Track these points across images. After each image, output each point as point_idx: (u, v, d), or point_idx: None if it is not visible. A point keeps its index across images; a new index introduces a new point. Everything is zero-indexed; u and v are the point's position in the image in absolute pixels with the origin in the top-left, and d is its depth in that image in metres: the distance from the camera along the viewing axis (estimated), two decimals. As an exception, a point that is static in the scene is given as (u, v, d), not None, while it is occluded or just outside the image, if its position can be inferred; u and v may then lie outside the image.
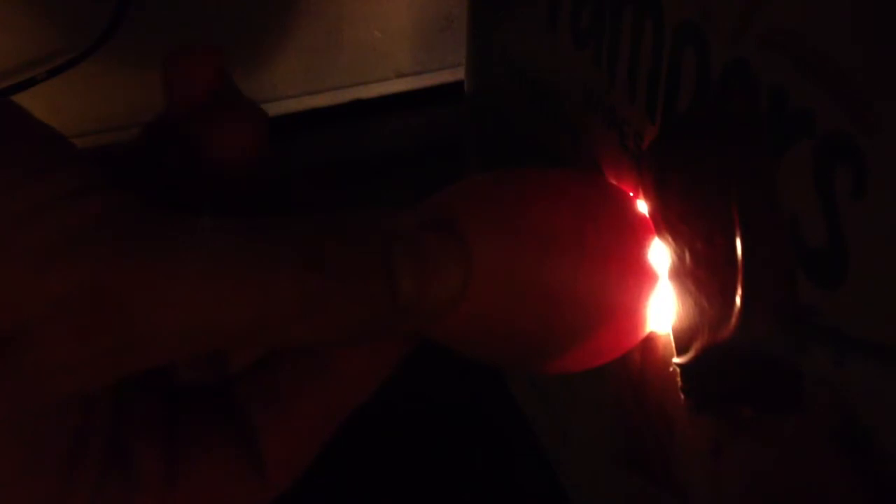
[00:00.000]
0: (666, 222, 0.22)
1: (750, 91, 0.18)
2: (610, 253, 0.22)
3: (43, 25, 0.47)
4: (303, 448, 0.20)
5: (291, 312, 0.16)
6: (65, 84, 0.47)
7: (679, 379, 0.23)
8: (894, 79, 0.15)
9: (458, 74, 0.45)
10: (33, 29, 0.47)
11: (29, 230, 0.15)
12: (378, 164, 0.52)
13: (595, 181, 0.25)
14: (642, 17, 0.22)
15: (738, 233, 0.20)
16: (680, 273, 0.22)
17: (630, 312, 0.22)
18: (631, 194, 0.24)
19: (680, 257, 0.22)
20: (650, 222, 0.23)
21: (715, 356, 0.21)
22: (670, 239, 0.22)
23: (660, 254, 0.23)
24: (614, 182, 0.25)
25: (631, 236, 0.22)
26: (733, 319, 0.20)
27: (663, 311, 0.23)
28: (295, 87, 0.54)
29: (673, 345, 0.23)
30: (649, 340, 0.24)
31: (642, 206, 0.23)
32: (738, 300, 0.20)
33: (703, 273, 0.21)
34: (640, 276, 0.22)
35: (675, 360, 0.23)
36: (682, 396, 0.23)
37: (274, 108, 0.53)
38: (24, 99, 0.27)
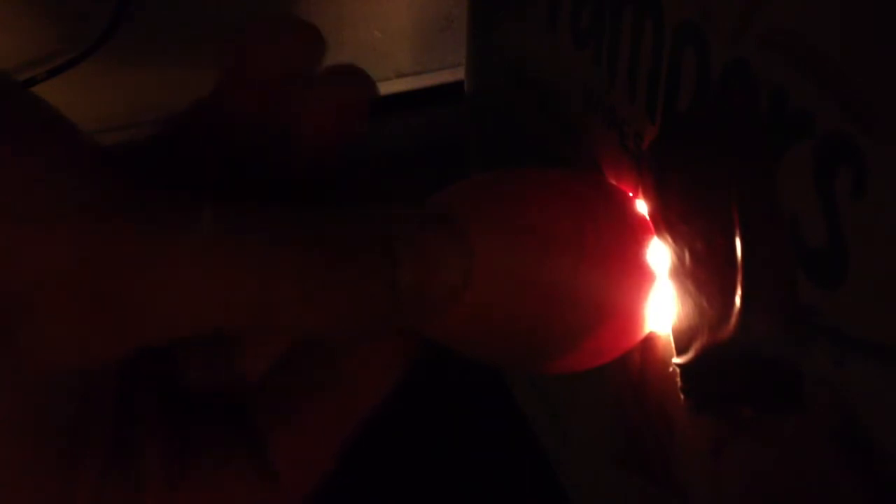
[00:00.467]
0: (666, 222, 0.22)
1: (750, 91, 0.18)
2: (609, 253, 0.22)
3: (43, 25, 0.47)
4: (315, 456, 0.20)
5: (290, 294, 0.16)
6: (65, 84, 0.47)
7: (679, 379, 0.23)
8: (894, 79, 0.15)
9: (458, 74, 0.45)
10: (33, 29, 0.47)
11: (32, 198, 0.15)
12: (378, 164, 0.52)
13: (595, 181, 0.25)
14: (642, 17, 0.22)
15: (738, 233, 0.20)
16: (680, 273, 0.22)
17: (629, 312, 0.22)
18: (631, 194, 0.24)
19: (680, 257, 0.22)
20: (650, 222, 0.23)
21: (715, 356, 0.21)
22: (670, 239, 0.22)
23: (660, 254, 0.23)
24: (614, 182, 0.25)
25: (630, 236, 0.22)
26: (733, 319, 0.20)
27: (663, 311, 0.23)
28: (295, 87, 0.54)
29: (673, 345, 0.23)
30: (649, 340, 0.24)
31: (642, 206, 0.23)
32: (738, 300, 0.20)
33: (703, 273, 0.21)
34: (640, 276, 0.22)
35: (675, 360, 0.23)
36: (682, 396, 0.23)
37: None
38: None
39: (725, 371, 0.21)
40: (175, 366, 0.20)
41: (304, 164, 0.20)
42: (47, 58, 0.47)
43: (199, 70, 0.56)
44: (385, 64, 0.55)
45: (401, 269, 0.17)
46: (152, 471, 0.18)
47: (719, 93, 0.20)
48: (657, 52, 0.22)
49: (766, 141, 0.18)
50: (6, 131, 0.15)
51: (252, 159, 0.20)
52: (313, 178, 0.20)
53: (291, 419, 0.20)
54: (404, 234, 0.18)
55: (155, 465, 0.18)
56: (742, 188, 0.19)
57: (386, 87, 0.55)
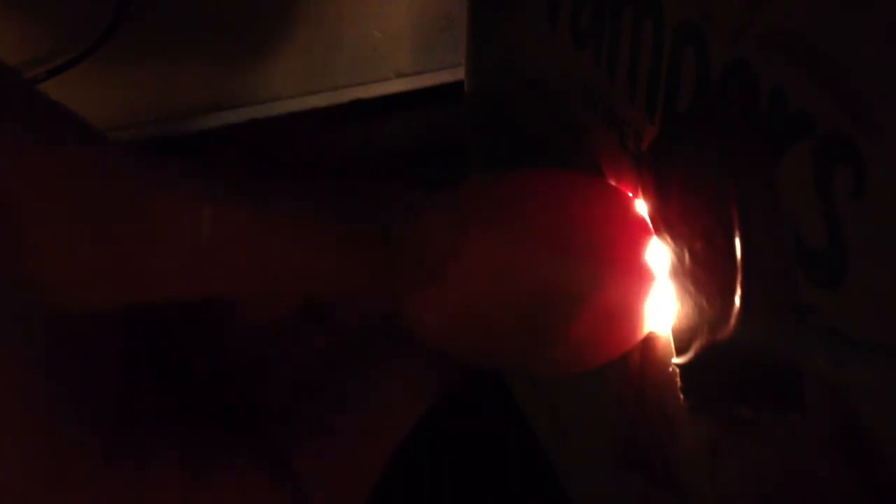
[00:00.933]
0: (666, 222, 0.22)
1: (750, 91, 0.18)
2: (609, 253, 0.22)
3: (43, 25, 0.47)
4: (344, 476, 0.20)
5: (283, 235, 0.17)
6: (65, 84, 0.47)
7: (679, 379, 0.23)
8: (894, 79, 0.15)
9: (458, 74, 0.45)
10: (33, 29, 0.47)
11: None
12: (378, 164, 0.52)
13: (595, 181, 0.25)
14: (642, 17, 0.22)
15: (738, 233, 0.20)
16: (680, 273, 0.22)
17: (629, 312, 0.22)
18: (631, 194, 0.24)
19: (680, 257, 0.22)
20: (649, 222, 0.23)
21: (715, 356, 0.21)
22: (670, 239, 0.22)
23: (660, 254, 0.23)
24: (614, 182, 0.25)
25: (630, 236, 0.22)
26: (733, 319, 0.20)
27: (663, 311, 0.23)
28: (295, 87, 0.54)
29: (673, 345, 0.23)
30: (649, 340, 0.24)
31: (642, 206, 0.23)
32: (738, 300, 0.20)
33: (703, 273, 0.21)
34: (639, 276, 0.22)
35: (675, 360, 0.23)
36: (682, 396, 0.23)
37: (274, 108, 0.53)
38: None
39: (725, 371, 0.21)
40: (179, 354, 0.20)
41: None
42: (47, 58, 0.47)
43: (199, 70, 0.56)
44: (385, 64, 0.55)
45: (392, 224, 0.18)
46: (165, 467, 0.18)
47: (719, 93, 0.20)
48: (657, 52, 0.22)
49: (766, 141, 0.18)
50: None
51: None
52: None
53: (319, 431, 0.20)
54: (400, 202, 0.19)
55: (167, 462, 0.18)
56: (742, 188, 0.19)
57: (386, 87, 0.55)
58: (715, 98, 0.20)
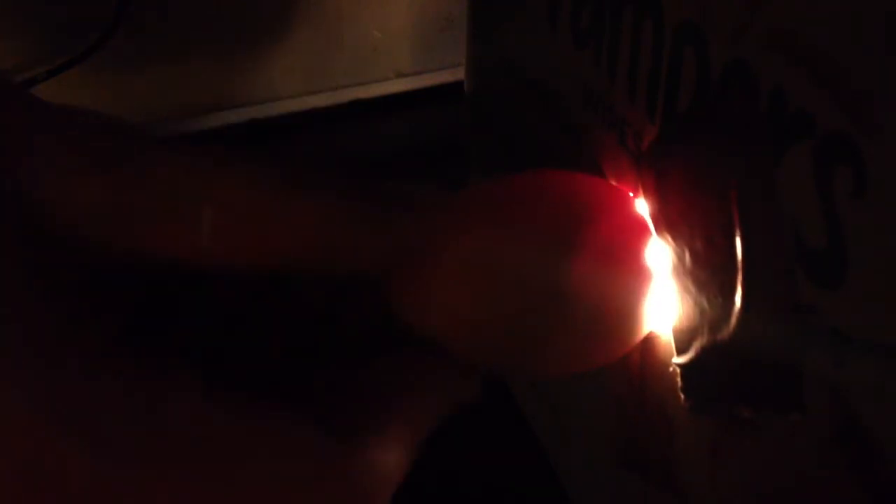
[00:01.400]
0: (666, 222, 0.22)
1: (750, 91, 0.18)
2: (609, 253, 0.22)
3: (43, 26, 0.47)
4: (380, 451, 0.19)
5: (279, 194, 0.18)
6: (65, 84, 0.47)
7: (679, 379, 0.23)
8: (894, 79, 0.15)
9: (458, 74, 0.45)
10: (33, 29, 0.47)
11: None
12: (378, 165, 0.52)
13: (595, 181, 0.25)
14: (642, 17, 0.22)
15: (738, 233, 0.20)
16: (680, 273, 0.22)
17: (629, 313, 0.22)
18: (631, 194, 0.24)
19: (680, 257, 0.22)
20: (649, 222, 0.23)
21: (715, 356, 0.21)
22: (670, 239, 0.22)
23: (660, 254, 0.23)
24: (614, 182, 0.25)
25: (630, 236, 0.22)
26: (733, 319, 0.20)
27: (663, 311, 0.23)
28: (295, 87, 0.54)
29: (673, 345, 0.23)
30: (649, 340, 0.24)
31: (642, 206, 0.23)
32: (738, 300, 0.20)
33: (703, 273, 0.21)
34: (640, 276, 0.22)
35: (675, 360, 0.23)
36: (682, 396, 0.23)
37: (274, 108, 0.53)
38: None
39: (725, 371, 0.21)
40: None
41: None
42: (47, 58, 0.47)
43: (199, 70, 0.56)
44: (385, 64, 0.55)
45: (382, 190, 0.20)
46: (187, 377, 0.17)
47: (719, 93, 0.20)
48: (657, 52, 0.22)
49: (766, 141, 0.18)
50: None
51: None
52: None
53: (360, 401, 0.19)
54: (400, 188, 0.20)
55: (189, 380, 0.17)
56: (742, 188, 0.19)
57: (386, 87, 0.55)
58: (715, 98, 0.20)
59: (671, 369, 0.23)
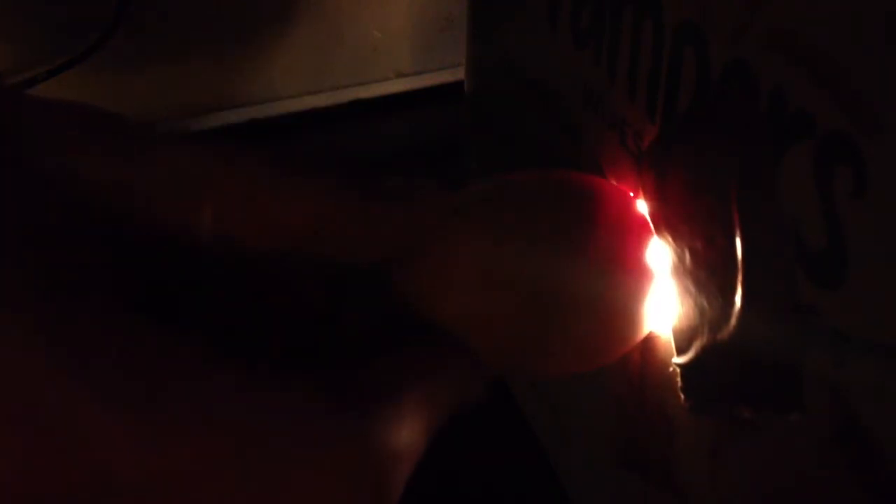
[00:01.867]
0: (666, 222, 0.22)
1: (750, 91, 0.18)
2: (609, 253, 0.22)
3: (43, 26, 0.47)
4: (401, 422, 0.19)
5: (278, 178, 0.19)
6: (65, 84, 0.47)
7: (679, 379, 0.23)
8: (894, 79, 0.15)
9: (458, 74, 0.45)
10: (33, 29, 0.47)
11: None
12: (378, 165, 0.52)
13: (595, 181, 0.25)
14: (642, 17, 0.22)
15: (738, 233, 0.20)
16: (680, 273, 0.22)
17: (629, 313, 0.22)
18: (631, 194, 0.24)
19: (680, 257, 0.22)
20: (650, 222, 0.23)
21: (715, 356, 0.21)
22: (670, 239, 0.22)
23: (660, 254, 0.23)
24: (615, 182, 0.25)
25: (630, 236, 0.22)
26: (733, 319, 0.20)
27: (663, 311, 0.23)
28: (295, 87, 0.54)
29: (673, 345, 0.23)
30: (649, 340, 0.24)
31: (642, 206, 0.23)
32: (738, 300, 0.20)
33: (703, 273, 0.21)
34: (640, 276, 0.22)
35: (675, 360, 0.23)
36: (682, 396, 0.23)
37: (274, 108, 0.53)
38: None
39: (725, 371, 0.21)
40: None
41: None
42: (47, 58, 0.47)
43: (199, 70, 0.56)
44: (385, 64, 0.55)
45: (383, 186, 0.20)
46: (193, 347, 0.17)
47: (719, 93, 0.20)
48: (657, 52, 0.22)
49: (766, 141, 0.18)
50: None
51: None
52: None
53: (376, 382, 0.19)
54: (400, 182, 0.20)
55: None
56: (742, 188, 0.19)
57: (386, 87, 0.55)
58: (715, 98, 0.20)
59: (671, 369, 0.23)
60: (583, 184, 0.24)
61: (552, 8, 0.27)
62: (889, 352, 0.16)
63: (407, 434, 0.18)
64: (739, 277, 0.20)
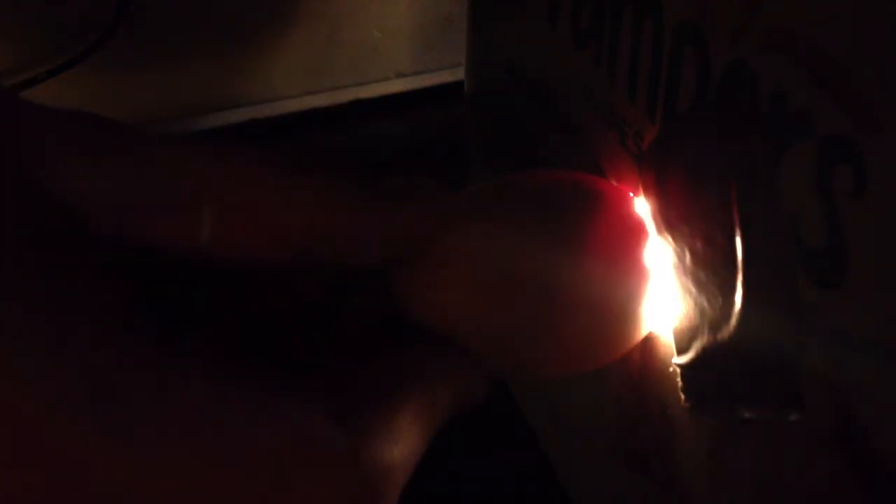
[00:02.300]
0: (666, 222, 0.22)
1: (750, 91, 0.18)
2: (609, 254, 0.22)
3: (43, 26, 0.47)
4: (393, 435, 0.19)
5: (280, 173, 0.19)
6: (65, 84, 0.47)
7: (679, 379, 0.23)
8: (894, 79, 0.15)
9: (458, 74, 0.45)
10: (33, 29, 0.47)
11: None
12: (378, 165, 0.52)
13: (595, 181, 0.25)
14: (642, 17, 0.22)
15: (738, 233, 0.20)
16: (680, 273, 0.22)
17: (629, 313, 0.22)
18: (631, 194, 0.24)
19: (680, 257, 0.22)
20: (650, 222, 0.23)
21: (715, 356, 0.21)
22: (670, 239, 0.22)
23: (660, 254, 0.23)
24: (614, 182, 0.25)
25: (630, 236, 0.22)
26: (733, 319, 0.20)
27: (663, 311, 0.23)
28: (295, 87, 0.54)
29: (673, 345, 0.23)
30: (649, 340, 0.24)
31: (642, 206, 0.23)
32: (738, 300, 0.20)
33: (703, 273, 0.21)
34: (640, 276, 0.22)
35: (675, 360, 0.23)
36: (682, 396, 0.23)
37: (274, 108, 0.53)
38: (24, 99, 0.27)
39: (725, 371, 0.21)
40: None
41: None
42: (47, 58, 0.47)
43: (199, 70, 0.56)
44: (385, 64, 0.55)
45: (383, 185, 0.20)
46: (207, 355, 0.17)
47: (719, 93, 0.20)
48: (657, 52, 0.22)
49: (766, 141, 0.18)
50: None
51: None
52: None
53: (373, 390, 0.19)
54: (401, 181, 0.20)
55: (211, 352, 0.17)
56: (742, 188, 0.19)
57: (386, 87, 0.55)
58: (715, 98, 0.20)
59: (671, 369, 0.23)
60: (583, 184, 0.24)
61: (552, 8, 0.27)
62: (889, 352, 0.16)
63: (404, 444, 0.19)
64: (739, 277, 0.20)
